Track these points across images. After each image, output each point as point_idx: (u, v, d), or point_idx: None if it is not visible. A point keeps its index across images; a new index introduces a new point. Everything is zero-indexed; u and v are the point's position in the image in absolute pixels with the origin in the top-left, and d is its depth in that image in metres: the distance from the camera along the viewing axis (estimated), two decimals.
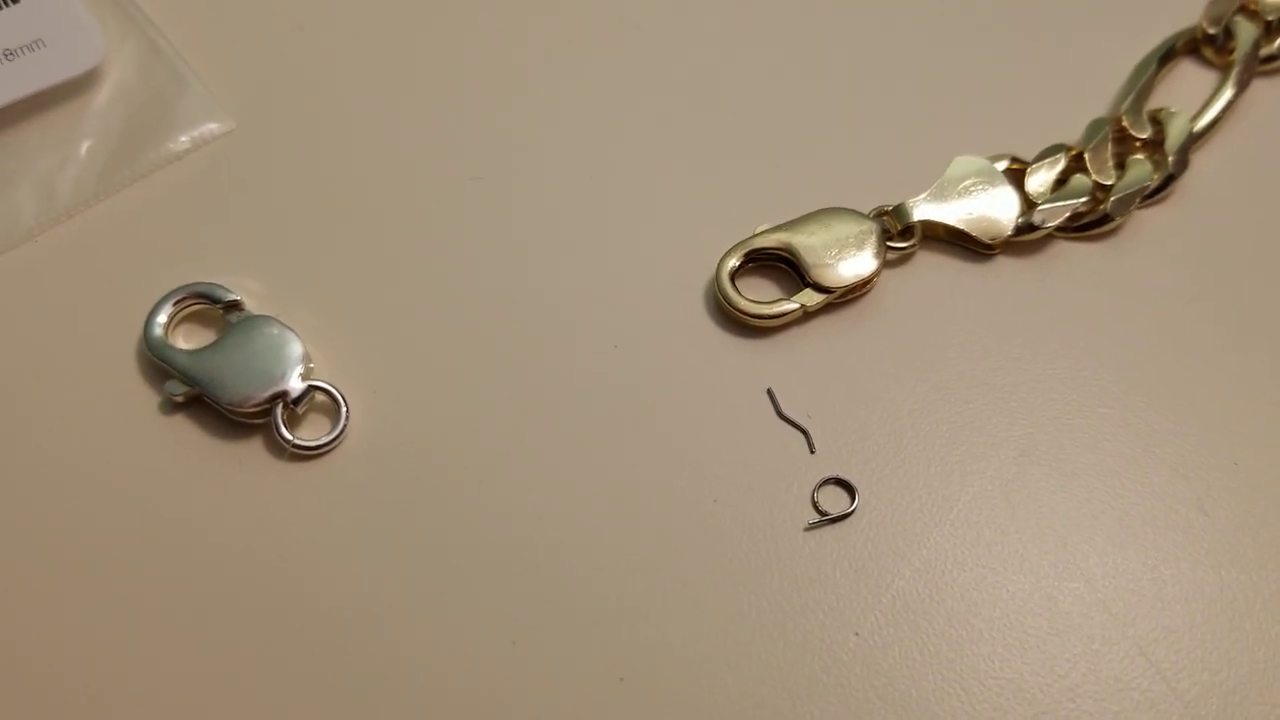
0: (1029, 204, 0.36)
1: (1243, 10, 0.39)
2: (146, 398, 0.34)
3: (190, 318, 0.34)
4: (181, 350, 0.33)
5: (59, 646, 0.31)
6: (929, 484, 0.33)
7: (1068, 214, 0.36)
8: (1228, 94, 0.38)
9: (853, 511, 0.33)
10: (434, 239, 0.36)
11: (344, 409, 0.33)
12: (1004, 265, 0.36)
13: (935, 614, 0.32)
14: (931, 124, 0.38)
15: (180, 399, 0.33)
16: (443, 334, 0.35)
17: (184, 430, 0.33)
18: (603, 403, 0.34)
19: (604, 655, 0.31)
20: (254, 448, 0.33)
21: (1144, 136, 0.37)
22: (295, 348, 0.33)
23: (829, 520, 0.33)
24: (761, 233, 0.35)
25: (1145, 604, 0.32)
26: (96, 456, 0.33)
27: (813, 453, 0.34)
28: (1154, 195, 0.37)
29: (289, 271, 0.35)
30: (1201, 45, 0.40)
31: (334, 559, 0.32)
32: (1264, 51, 0.39)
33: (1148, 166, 0.37)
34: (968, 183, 0.36)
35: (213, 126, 0.37)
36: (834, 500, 0.33)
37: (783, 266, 0.36)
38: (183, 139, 0.37)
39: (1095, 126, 0.37)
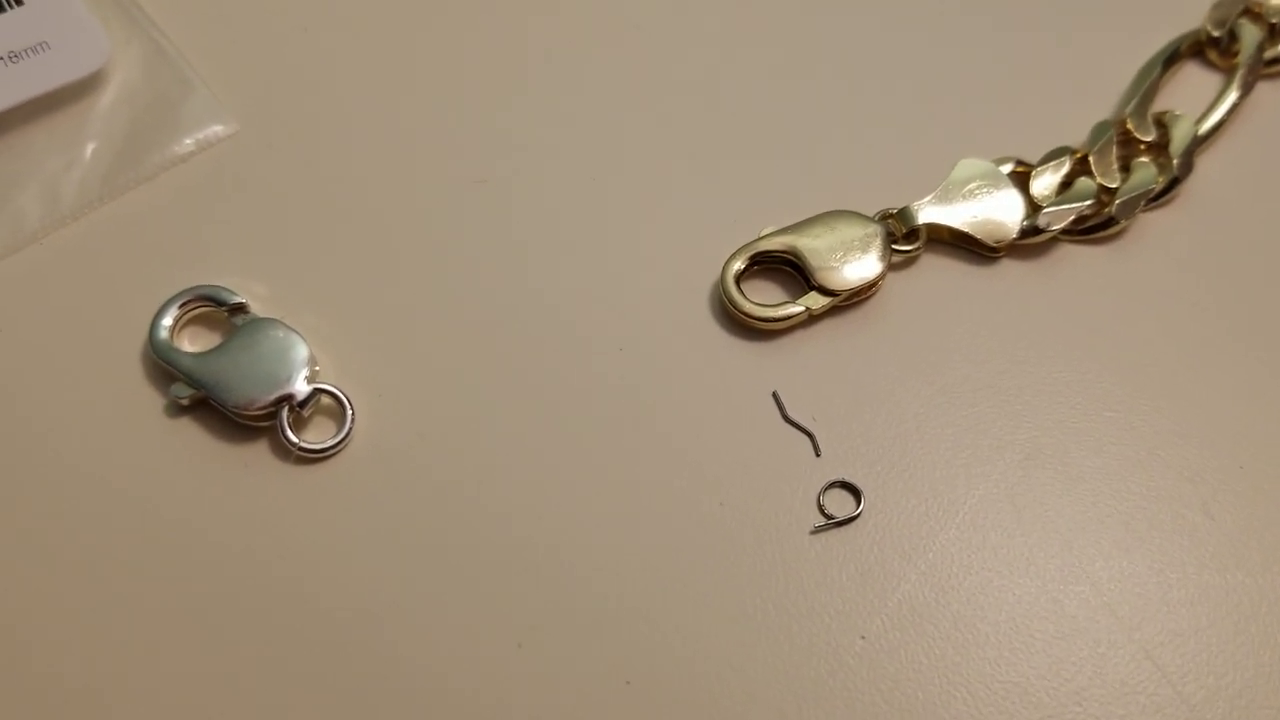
0: (1034, 207, 0.36)
1: (1247, 13, 0.39)
2: (152, 401, 0.34)
3: (195, 320, 0.34)
4: (187, 353, 0.33)
5: (64, 647, 0.31)
6: (934, 487, 0.33)
7: (1072, 217, 0.36)
8: (1232, 96, 0.38)
9: (858, 515, 0.33)
10: (438, 241, 0.36)
11: (349, 412, 0.33)
12: (1009, 268, 0.36)
13: (941, 617, 0.32)
14: (936, 126, 0.38)
15: (185, 402, 0.33)
16: (448, 337, 0.35)
17: (189, 433, 0.33)
18: (608, 406, 0.34)
19: (610, 658, 0.31)
20: (259, 451, 0.33)
21: (1149, 139, 0.37)
22: (300, 351, 0.33)
23: (835, 524, 0.33)
24: (766, 235, 0.35)
25: (1151, 607, 0.32)
26: (102, 459, 0.33)
27: (818, 456, 0.34)
28: (1159, 198, 0.37)
29: (294, 274, 0.35)
30: (1206, 48, 0.40)
31: (339, 562, 0.32)
32: (1268, 54, 0.39)
33: (1152, 169, 0.37)
34: (972, 185, 0.36)
35: (217, 129, 0.37)
36: (839, 503, 0.33)
37: (788, 269, 0.36)
38: (187, 141, 0.37)
39: (1100, 129, 0.37)
